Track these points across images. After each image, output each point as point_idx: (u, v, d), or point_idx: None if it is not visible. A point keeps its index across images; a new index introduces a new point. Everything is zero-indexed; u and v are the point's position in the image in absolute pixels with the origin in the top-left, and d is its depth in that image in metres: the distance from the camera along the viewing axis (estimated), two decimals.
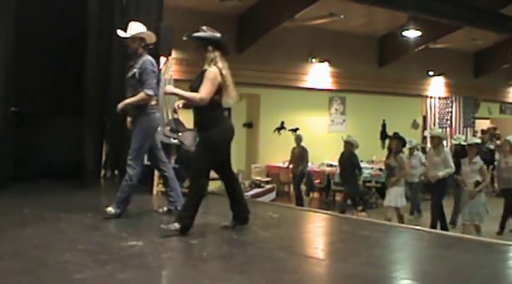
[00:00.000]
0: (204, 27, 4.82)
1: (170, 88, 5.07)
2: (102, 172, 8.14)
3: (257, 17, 12.40)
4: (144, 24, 5.69)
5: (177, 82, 7.24)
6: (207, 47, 4.76)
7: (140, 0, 7.54)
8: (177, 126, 7.23)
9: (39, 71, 7.71)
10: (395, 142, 9.12)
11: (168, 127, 7.11)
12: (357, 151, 11.03)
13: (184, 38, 4.78)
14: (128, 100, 5.44)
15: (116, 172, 8.07)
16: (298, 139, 12.40)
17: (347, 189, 10.84)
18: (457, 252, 4.74)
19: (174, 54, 7.94)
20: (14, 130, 7.16)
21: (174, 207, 5.64)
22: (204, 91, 4.66)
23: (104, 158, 8.12)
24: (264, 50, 12.83)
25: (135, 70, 5.45)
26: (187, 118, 8.30)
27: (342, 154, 10.79)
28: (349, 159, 10.59)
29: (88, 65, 7.50)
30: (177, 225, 4.69)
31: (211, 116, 4.79)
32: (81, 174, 7.44)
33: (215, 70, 4.71)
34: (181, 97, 4.84)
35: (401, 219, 8.83)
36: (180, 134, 7.16)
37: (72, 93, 7.64)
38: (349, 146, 10.64)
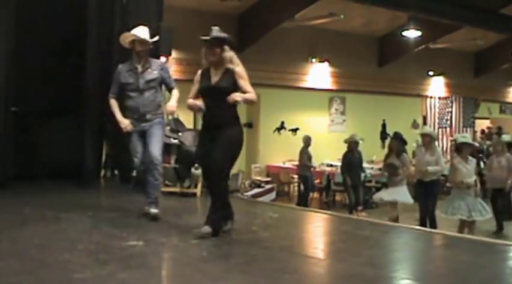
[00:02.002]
0: (217, 28, 4.82)
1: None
2: (102, 172, 8.14)
3: (257, 17, 12.41)
4: (144, 24, 5.69)
5: (177, 82, 7.24)
6: (224, 46, 4.80)
7: (140, 0, 7.53)
8: (177, 126, 7.24)
9: (39, 71, 7.69)
10: (395, 143, 9.14)
11: (168, 127, 7.11)
12: None
13: (205, 38, 4.72)
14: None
15: (116, 172, 8.07)
16: (310, 139, 12.33)
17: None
18: (457, 252, 4.74)
19: (174, 54, 7.95)
20: (14, 130, 7.15)
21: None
22: (252, 89, 4.76)
23: (104, 158, 8.12)
24: (264, 50, 12.83)
25: (155, 72, 5.48)
26: (187, 119, 8.33)
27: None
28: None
29: (88, 64, 7.49)
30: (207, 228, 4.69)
31: (236, 115, 4.86)
32: (81, 174, 7.43)
33: (243, 68, 4.83)
34: (245, 101, 4.79)
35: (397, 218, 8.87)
36: (180, 134, 7.16)
37: (72, 93, 7.64)
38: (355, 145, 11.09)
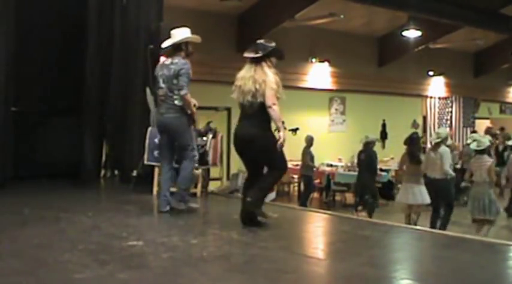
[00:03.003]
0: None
1: None
2: (102, 172, 8.14)
3: (257, 17, 12.40)
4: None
5: None
6: None
7: (140, 0, 7.53)
8: None
9: (39, 71, 7.69)
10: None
11: None
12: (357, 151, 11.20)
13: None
14: None
15: (116, 172, 8.07)
16: (312, 139, 12.34)
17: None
18: (457, 252, 4.73)
19: None
20: (14, 130, 7.15)
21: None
22: None
23: (104, 158, 8.12)
24: None
25: None
26: None
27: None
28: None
29: (88, 64, 7.49)
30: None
31: None
32: (81, 174, 7.43)
33: None
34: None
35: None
36: None
37: (72, 93, 7.63)
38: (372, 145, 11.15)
